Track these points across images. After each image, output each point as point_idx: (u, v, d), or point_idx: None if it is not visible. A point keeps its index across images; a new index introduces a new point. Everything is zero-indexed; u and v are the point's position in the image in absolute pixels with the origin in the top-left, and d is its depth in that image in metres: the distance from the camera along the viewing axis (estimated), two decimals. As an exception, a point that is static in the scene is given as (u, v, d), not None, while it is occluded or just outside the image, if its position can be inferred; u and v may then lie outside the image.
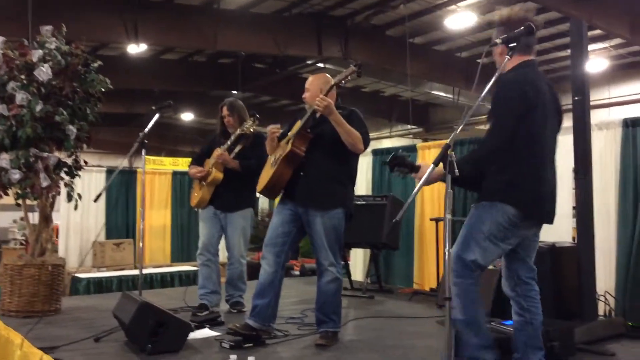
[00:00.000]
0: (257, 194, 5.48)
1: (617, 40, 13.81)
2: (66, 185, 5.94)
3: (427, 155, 7.27)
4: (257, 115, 5.54)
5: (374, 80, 15.88)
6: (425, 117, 17.71)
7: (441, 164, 3.11)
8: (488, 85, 3.25)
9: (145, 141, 5.30)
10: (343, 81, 4.46)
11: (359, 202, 6.89)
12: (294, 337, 4.81)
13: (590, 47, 14.27)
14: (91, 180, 9.66)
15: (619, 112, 14.51)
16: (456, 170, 3.06)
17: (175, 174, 10.83)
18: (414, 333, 5.02)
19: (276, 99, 17.85)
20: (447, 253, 3.05)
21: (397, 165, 3.54)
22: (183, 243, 10.50)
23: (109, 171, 9.93)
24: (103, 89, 5.94)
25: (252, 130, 5.50)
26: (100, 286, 8.28)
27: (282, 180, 4.60)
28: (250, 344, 4.50)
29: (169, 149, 19.57)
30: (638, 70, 14.97)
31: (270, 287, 4.63)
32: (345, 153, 4.59)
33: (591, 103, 16.16)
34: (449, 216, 3.03)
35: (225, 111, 5.76)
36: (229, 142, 5.56)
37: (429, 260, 7.10)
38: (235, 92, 16.85)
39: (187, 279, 8.91)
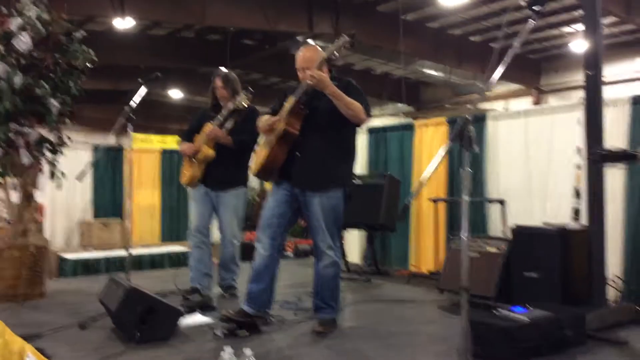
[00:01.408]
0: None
1: (611, 19, 13.53)
2: (49, 163, 5.58)
3: (425, 133, 6.95)
4: (251, 89, 5.19)
5: (365, 58, 15.49)
6: (416, 95, 17.35)
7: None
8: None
9: (132, 116, 4.96)
10: (336, 53, 4.12)
11: (355, 182, 6.59)
12: (290, 323, 4.52)
13: (581, 26, 14.02)
14: (77, 158, 9.21)
15: (615, 90, 14.25)
16: (475, 146, 2.76)
17: (164, 152, 10.43)
18: (415, 318, 4.74)
19: (266, 76, 17.43)
20: (464, 238, 2.76)
21: None
22: (172, 223, 10.10)
23: (96, 148, 9.53)
24: (88, 62, 5.56)
25: (244, 105, 5.15)
26: (87, 267, 7.92)
27: (276, 161, 4.27)
28: (245, 332, 4.21)
29: (157, 127, 19.07)
30: (631, 49, 14.69)
31: (265, 271, 4.32)
32: (343, 128, 4.28)
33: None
34: (466, 198, 2.73)
35: (218, 82, 5.42)
36: (220, 117, 5.22)
37: (426, 242, 6.79)
38: (224, 69, 16.38)
39: (178, 260, 8.56)
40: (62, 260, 7.89)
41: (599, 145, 4.34)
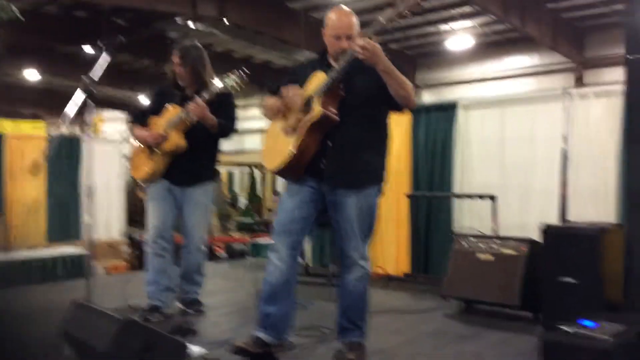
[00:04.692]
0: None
1: (483, 20, 13.63)
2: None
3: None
4: (247, 71, 4.07)
5: (247, 45, 14.48)
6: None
7: None
8: None
9: (93, 90, 3.73)
10: (400, 18, 3.16)
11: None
12: (305, 348, 3.58)
13: (457, 24, 14.06)
14: None
15: (484, 89, 14.45)
16: None
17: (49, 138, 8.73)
18: (440, 334, 3.95)
19: (137, 59, 15.83)
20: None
21: None
22: (62, 219, 8.44)
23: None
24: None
25: (238, 89, 4.05)
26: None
27: (307, 153, 3.28)
28: (264, 365, 3.22)
29: (7, 111, 16.65)
30: (499, 49, 14.96)
31: (284, 289, 3.34)
32: (380, 113, 3.41)
33: (458, 79, 15.92)
34: None
35: (176, 58, 4.26)
36: (205, 95, 4.07)
37: (389, 241, 5.99)
38: (91, 48, 14.62)
39: (74, 266, 7.10)
40: None
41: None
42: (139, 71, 16.50)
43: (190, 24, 13.54)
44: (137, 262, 8.21)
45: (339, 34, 3.29)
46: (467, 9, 13.25)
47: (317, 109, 3.21)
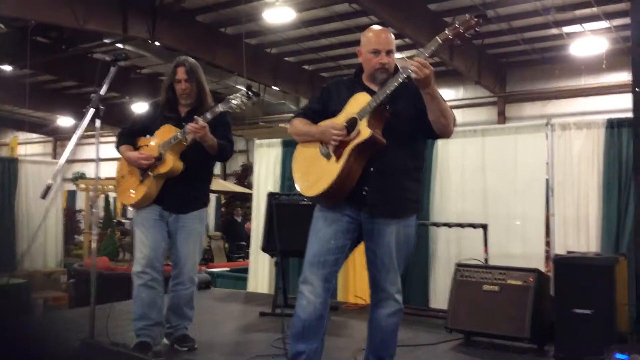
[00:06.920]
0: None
1: (412, 52, 13.81)
2: None
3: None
4: (254, 90, 3.75)
5: (178, 69, 13.94)
6: (224, 111, 16.17)
7: None
8: None
9: (101, 107, 3.30)
10: (458, 40, 2.93)
11: (284, 202, 5.40)
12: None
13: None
14: None
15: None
16: None
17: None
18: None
19: (59, 80, 14.91)
20: None
21: None
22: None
23: None
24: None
25: (244, 108, 3.73)
26: None
27: (352, 178, 2.99)
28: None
29: None
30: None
31: (318, 325, 3.04)
32: (417, 140, 3.18)
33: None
34: None
35: (182, 74, 3.88)
36: (208, 116, 3.72)
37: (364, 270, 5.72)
38: (9, 67, 13.73)
39: (10, 298, 6.36)
40: None
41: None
42: (60, 92, 15.55)
43: (119, 45, 12.99)
44: (75, 293, 7.51)
45: (379, 49, 3.06)
46: (397, 41, 13.45)
47: (364, 131, 2.94)
